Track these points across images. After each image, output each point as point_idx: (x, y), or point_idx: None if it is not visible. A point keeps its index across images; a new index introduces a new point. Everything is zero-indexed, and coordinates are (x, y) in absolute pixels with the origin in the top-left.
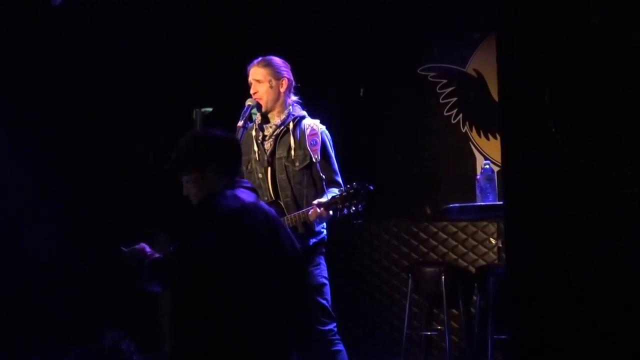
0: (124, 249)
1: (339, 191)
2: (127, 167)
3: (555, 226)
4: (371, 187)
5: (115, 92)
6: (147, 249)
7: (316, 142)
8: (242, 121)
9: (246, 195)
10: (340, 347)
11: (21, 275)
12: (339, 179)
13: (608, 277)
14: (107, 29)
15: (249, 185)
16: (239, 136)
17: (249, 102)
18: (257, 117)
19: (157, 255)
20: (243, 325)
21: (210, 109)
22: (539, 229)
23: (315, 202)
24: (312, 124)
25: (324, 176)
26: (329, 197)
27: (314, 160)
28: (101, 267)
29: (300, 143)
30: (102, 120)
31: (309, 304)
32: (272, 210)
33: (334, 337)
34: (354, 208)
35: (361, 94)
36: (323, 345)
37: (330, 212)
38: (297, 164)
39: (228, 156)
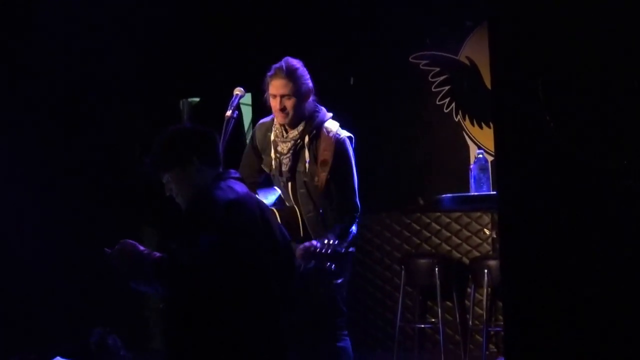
0: (107, 250)
1: (329, 237)
2: (113, 159)
3: (549, 217)
4: (342, 250)
5: (101, 83)
6: (139, 247)
7: (327, 162)
8: (231, 111)
9: (239, 187)
10: (346, 343)
11: (6, 271)
12: (354, 197)
13: (602, 268)
14: (93, 20)
15: (237, 175)
16: (228, 127)
17: (237, 91)
18: (277, 125)
19: (155, 254)
20: (248, 319)
21: (197, 99)
22: (533, 219)
23: (301, 247)
24: (327, 137)
25: (321, 208)
26: (318, 242)
27: (314, 181)
28: (87, 262)
29: (316, 159)
30: (88, 112)
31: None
32: (262, 201)
33: (341, 332)
34: (327, 265)
35: (351, 82)
36: (328, 338)
37: (310, 261)
38: (315, 179)
39: (207, 147)
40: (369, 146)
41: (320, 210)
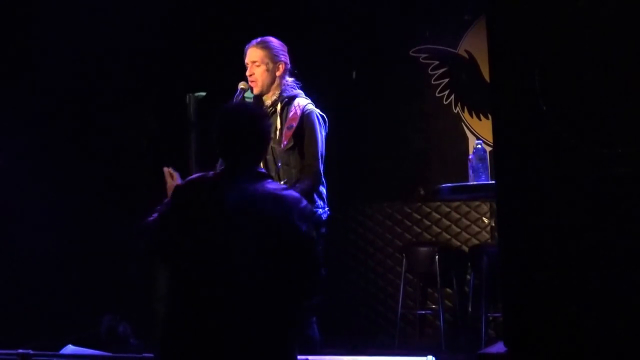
0: (165, 168)
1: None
2: (120, 152)
3: (546, 205)
4: None
5: (107, 77)
6: (175, 183)
7: (292, 127)
8: None
9: (205, 175)
10: (313, 332)
11: (17, 262)
12: (316, 164)
13: (599, 255)
14: (98, 15)
15: (222, 166)
16: None
17: (241, 85)
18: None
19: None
20: (177, 300)
21: (203, 94)
22: (531, 207)
23: None
24: (297, 106)
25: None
26: None
27: (281, 146)
28: (97, 251)
29: (283, 125)
30: (95, 106)
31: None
32: (258, 188)
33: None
34: None
35: (354, 76)
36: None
37: None
38: (282, 145)
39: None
40: (370, 138)
41: (280, 170)
